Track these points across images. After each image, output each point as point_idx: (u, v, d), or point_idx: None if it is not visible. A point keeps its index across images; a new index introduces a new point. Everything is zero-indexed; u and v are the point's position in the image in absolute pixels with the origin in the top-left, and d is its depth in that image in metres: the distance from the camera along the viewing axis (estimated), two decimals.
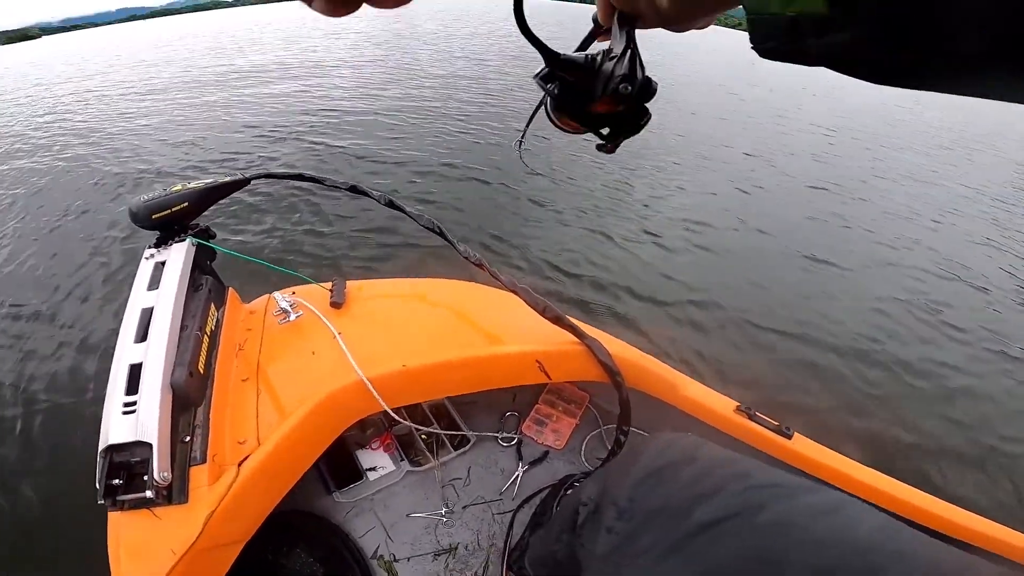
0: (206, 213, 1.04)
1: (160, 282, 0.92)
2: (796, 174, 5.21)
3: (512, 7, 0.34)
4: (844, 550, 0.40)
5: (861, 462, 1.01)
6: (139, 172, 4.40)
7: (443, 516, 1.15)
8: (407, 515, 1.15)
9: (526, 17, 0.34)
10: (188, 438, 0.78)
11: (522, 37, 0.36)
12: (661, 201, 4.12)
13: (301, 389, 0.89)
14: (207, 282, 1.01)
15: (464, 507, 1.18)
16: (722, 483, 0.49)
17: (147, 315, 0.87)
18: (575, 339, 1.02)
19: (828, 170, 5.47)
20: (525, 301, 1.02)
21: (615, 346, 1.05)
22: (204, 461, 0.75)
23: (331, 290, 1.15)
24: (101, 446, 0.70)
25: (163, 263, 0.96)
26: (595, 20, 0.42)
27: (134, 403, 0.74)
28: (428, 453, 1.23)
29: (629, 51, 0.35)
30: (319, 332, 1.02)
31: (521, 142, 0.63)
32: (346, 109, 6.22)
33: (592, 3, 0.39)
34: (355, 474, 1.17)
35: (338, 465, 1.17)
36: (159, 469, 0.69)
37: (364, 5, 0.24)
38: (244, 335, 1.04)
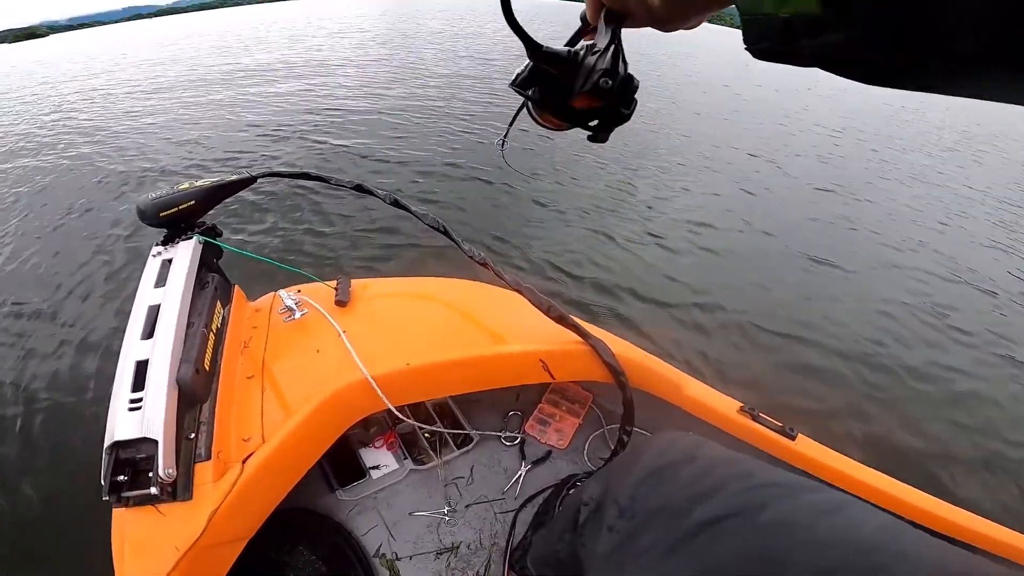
0: (212, 211, 1.05)
1: (167, 279, 0.92)
2: (801, 175, 5.19)
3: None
4: (847, 550, 0.40)
5: (865, 464, 1.01)
6: (143, 171, 4.42)
7: (446, 515, 1.16)
8: (410, 514, 1.15)
9: (513, 10, 0.35)
10: (193, 435, 0.78)
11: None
12: (664, 202, 4.11)
13: (306, 387, 0.89)
14: (213, 280, 1.01)
15: (467, 506, 1.18)
16: (724, 482, 0.49)
17: (154, 312, 0.87)
18: (579, 339, 1.02)
19: (833, 171, 5.44)
20: (529, 300, 1.01)
21: (619, 346, 1.05)
22: (209, 458, 0.75)
23: (336, 289, 1.15)
24: (107, 442, 0.71)
25: (170, 261, 0.96)
26: (583, 18, 0.42)
27: (140, 399, 0.74)
28: (431, 452, 1.23)
29: (612, 47, 0.35)
30: (324, 330, 1.02)
31: (504, 142, 0.64)
32: (350, 108, 6.22)
33: None
34: (358, 472, 1.17)
35: (341, 463, 1.17)
36: (164, 466, 0.69)
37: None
38: (249, 333, 1.04)
